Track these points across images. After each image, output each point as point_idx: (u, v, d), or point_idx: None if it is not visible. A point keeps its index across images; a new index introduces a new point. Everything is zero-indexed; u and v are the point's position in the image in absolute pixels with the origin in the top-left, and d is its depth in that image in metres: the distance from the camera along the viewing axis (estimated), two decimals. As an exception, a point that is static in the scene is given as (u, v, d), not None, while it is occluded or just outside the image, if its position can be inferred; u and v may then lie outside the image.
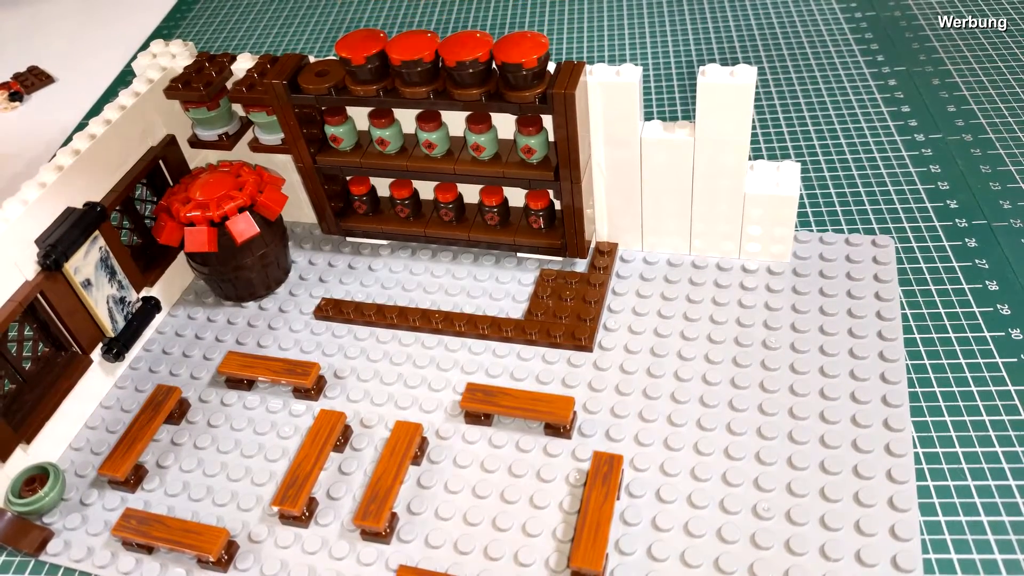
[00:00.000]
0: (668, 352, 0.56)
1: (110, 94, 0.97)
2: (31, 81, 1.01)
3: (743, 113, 0.54)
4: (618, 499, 0.49)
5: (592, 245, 0.63)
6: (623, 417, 0.53)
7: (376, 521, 0.48)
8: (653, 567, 0.46)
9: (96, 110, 0.94)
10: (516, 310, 0.60)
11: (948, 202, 0.64)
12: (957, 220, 0.63)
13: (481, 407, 0.53)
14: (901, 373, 0.52)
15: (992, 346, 0.54)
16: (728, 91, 0.53)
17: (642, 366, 0.56)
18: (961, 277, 0.58)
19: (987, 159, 0.68)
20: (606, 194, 0.61)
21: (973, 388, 0.52)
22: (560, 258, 0.62)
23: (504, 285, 0.62)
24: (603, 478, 0.48)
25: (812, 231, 0.63)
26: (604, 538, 0.46)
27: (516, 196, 0.62)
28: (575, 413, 0.53)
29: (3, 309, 0.51)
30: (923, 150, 0.70)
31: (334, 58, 0.57)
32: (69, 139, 0.88)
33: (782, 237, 0.59)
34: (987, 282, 0.58)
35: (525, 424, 0.53)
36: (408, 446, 0.52)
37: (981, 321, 0.56)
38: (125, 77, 0.99)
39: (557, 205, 0.60)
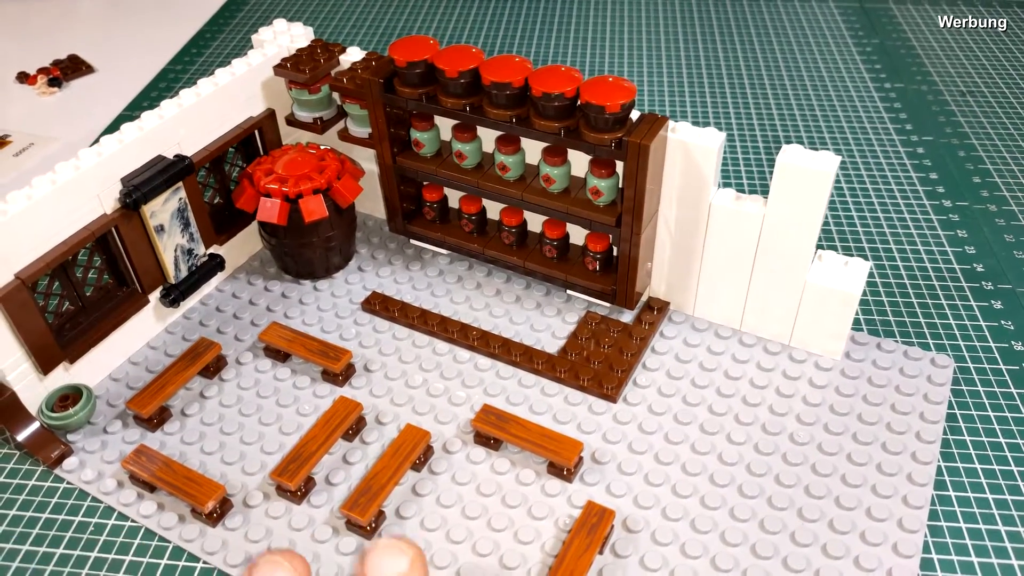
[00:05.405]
0: (691, 421, 0.55)
1: (151, 90, 0.98)
2: (71, 68, 1.01)
3: (818, 199, 0.52)
4: (600, 554, 0.48)
5: (644, 299, 0.62)
6: (629, 474, 0.52)
7: (362, 514, 0.49)
8: (617, 631, 0.45)
9: (136, 104, 0.95)
10: (552, 345, 0.60)
11: (975, 266, 0.67)
12: (984, 283, 0.66)
13: (491, 430, 0.53)
14: (924, 499, 0.50)
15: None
16: (805, 175, 0.52)
17: (662, 429, 0.55)
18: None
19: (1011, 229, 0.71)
20: (670, 252, 0.60)
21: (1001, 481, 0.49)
22: (608, 304, 0.62)
23: (547, 318, 0.63)
24: (589, 529, 0.48)
25: (864, 333, 0.61)
26: (574, 588, 0.45)
27: (578, 234, 0.63)
28: (581, 459, 0.53)
29: (77, 234, 0.54)
30: (951, 215, 0.73)
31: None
32: (112, 127, 0.90)
33: (836, 333, 0.57)
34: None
35: (532, 458, 0.53)
36: (412, 450, 0.52)
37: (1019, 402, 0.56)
38: (166, 75, 1.01)
39: (616, 251, 0.60)
